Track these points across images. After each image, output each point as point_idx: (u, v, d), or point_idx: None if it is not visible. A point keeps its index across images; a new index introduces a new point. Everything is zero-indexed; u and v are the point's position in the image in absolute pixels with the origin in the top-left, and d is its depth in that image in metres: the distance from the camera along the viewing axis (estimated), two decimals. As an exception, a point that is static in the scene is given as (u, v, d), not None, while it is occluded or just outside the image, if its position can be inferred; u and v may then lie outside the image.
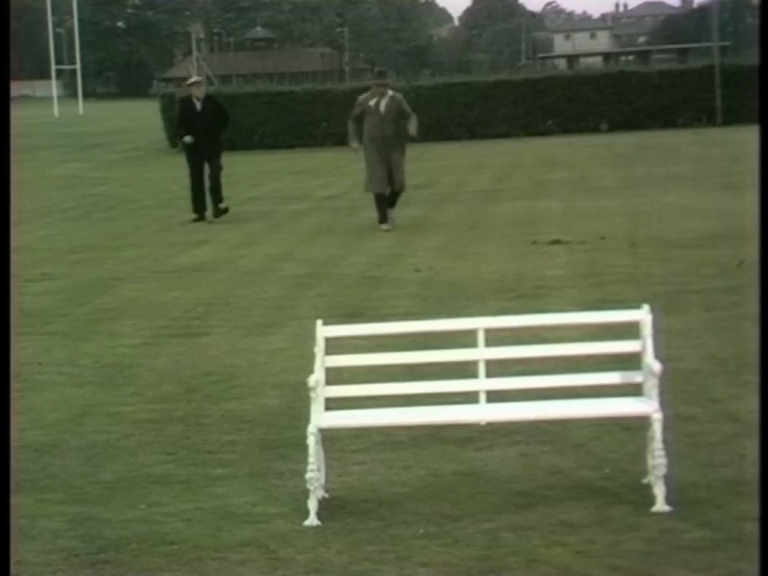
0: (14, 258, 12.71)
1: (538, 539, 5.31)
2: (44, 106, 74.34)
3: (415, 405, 6.13)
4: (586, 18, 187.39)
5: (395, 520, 5.63)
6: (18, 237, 16.08)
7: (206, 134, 18.21)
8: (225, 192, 18.57)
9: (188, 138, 18.19)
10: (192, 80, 19.40)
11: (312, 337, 6.08)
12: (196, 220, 18.28)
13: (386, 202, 16.35)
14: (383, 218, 16.31)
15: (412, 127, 15.96)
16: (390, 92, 16.36)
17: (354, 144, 16.32)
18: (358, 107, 16.34)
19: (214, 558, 5.31)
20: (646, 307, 5.99)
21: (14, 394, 7.64)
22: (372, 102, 16.19)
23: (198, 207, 18.45)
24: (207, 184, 18.41)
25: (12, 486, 5.81)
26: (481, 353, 6.12)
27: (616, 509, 5.64)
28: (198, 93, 18.50)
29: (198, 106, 18.32)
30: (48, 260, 15.04)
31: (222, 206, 18.41)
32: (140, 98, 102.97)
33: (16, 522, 5.61)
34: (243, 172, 27.98)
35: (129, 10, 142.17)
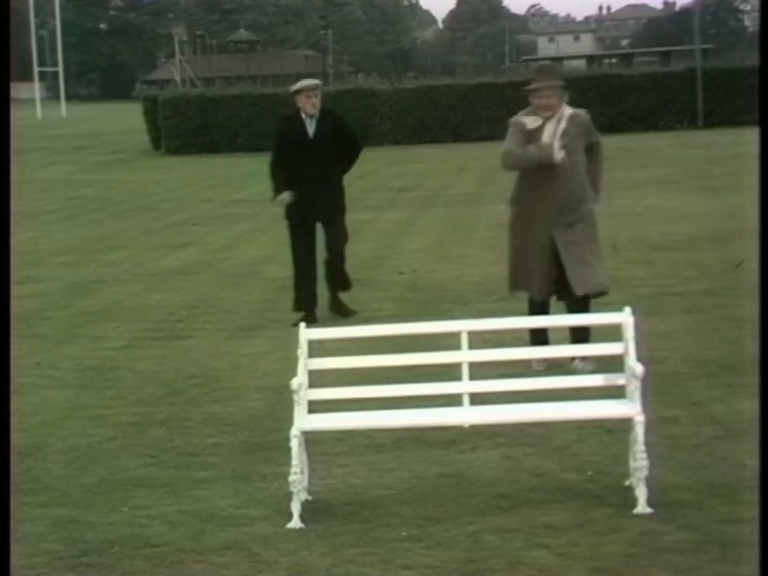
0: None
1: (520, 541, 5.32)
2: (27, 108, 74.03)
3: (398, 407, 6.13)
4: (569, 20, 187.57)
5: (378, 523, 5.64)
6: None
7: (323, 174, 10.61)
8: (209, 194, 18.29)
9: (285, 196, 10.71)
10: (299, 85, 10.71)
11: (295, 339, 6.09)
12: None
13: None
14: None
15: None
16: (569, 110, 8.67)
17: (514, 208, 9.12)
18: (514, 135, 8.51)
19: (197, 560, 5.31)
20: (628, 310, 6.01)
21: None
22: (535, 127, 8.45)
23: (305, 299, 10.78)
24: (322, 258, 11.07)
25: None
26: (464, 355, 6.13)
27: (598, 511, 5.65)
28: (310, 107, 10.52)
29: (311, 127, 10.58)
30: (32, 263, 15.01)
31: (345, 297, 11.07)
32: (122, 100, 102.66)
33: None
34: (227, 174, 27.99)
35: (111, 12, 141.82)
